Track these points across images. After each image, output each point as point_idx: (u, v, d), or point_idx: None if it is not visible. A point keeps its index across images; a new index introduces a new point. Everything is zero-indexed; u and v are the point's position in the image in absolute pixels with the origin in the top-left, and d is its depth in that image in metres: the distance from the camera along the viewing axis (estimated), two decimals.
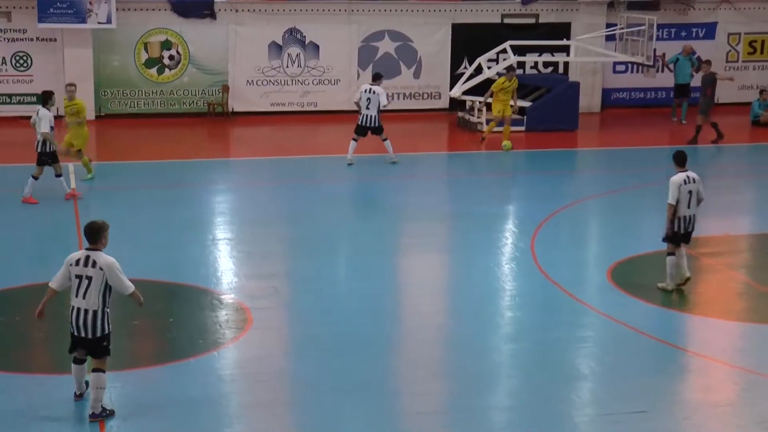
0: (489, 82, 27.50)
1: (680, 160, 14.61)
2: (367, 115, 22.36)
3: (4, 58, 27.24)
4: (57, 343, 11.63)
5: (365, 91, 22.44)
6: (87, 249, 10.26)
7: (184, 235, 17.13)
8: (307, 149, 24.59)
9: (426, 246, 17.11)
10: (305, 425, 10.61)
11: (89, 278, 10.12)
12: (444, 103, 29.30)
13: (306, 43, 28.47)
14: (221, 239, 17.13)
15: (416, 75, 29.20)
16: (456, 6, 28.94)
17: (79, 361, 10.57)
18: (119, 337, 11.46)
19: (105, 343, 10.33)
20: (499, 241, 17.18)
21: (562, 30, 29.33)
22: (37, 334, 12.55)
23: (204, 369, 11.77)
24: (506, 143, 24.24)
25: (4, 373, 11.51)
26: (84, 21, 26.54)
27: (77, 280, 10.18)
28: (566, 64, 29.44)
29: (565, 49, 28.54)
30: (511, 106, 24.97)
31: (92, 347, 10.34)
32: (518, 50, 27.71)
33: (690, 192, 14.36)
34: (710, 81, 25.42)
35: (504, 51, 27.67)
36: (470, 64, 28.16)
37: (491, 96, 25.00)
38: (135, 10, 27.42)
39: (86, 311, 10.16)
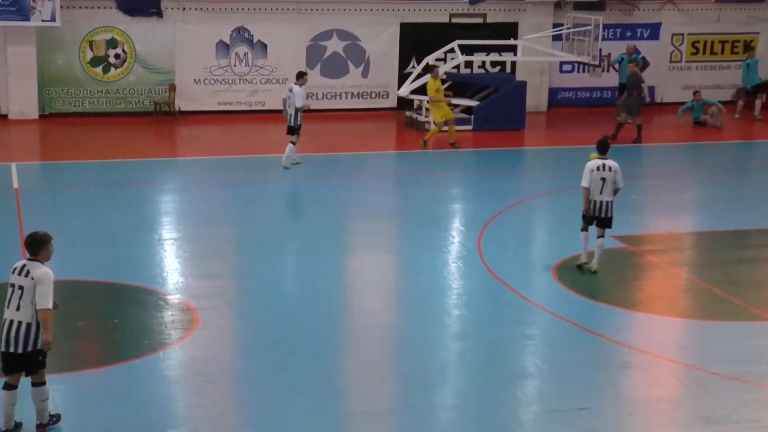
0: None
1: (600, 148, 15.23)
2: (288, 114, 22.02)
3: None
4: None
5: (288, 90, 22.18)
6: (28, 259, 9.89)
7: (130, 235, 17.00)
8: (255, 148, 24.51)
9: (373, 245, 17.12)
10: (251, 425, 10.59)
11: (21, 288, 9.70)
12: (392, 102, 29.33)
13: (254, 42, 28.36)
14: (167, 239, 17.02)
15: (364, 74, 29.21)
16: (404, 5, 28.98)
17: (10, 387, 9.87)
18: (63, 339, 11.36)
19: (40, 357, 9.82)
20: (446, 240, 17.24)
21: (510, 30, 29.46)
22: None
23: (149, 370, 11.69)
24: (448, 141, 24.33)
25: None
26: (27, 19, 26.21)
27: (11, 290, 9.77)
28: (513, 63, 29.59)
29: (513, 49, 28.70)
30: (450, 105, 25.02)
31: (26, 363, 9.78)
32: (466, 50, 27.81)
33: (603, 179, 14.97)
34: (637, 81, 25.65)
35: (452, 50, 27.78)
36: (418, 64, 28.20)
37: (428, 102, 25.04)
38: (80, 7, 27.13)
39: (20, 323, 9.68)
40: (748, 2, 31.40)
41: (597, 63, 27.81)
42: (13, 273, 9.86)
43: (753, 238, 17.94)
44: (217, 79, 28.26)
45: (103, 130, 26.15)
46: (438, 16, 29.30)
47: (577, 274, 15.44)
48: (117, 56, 27.65)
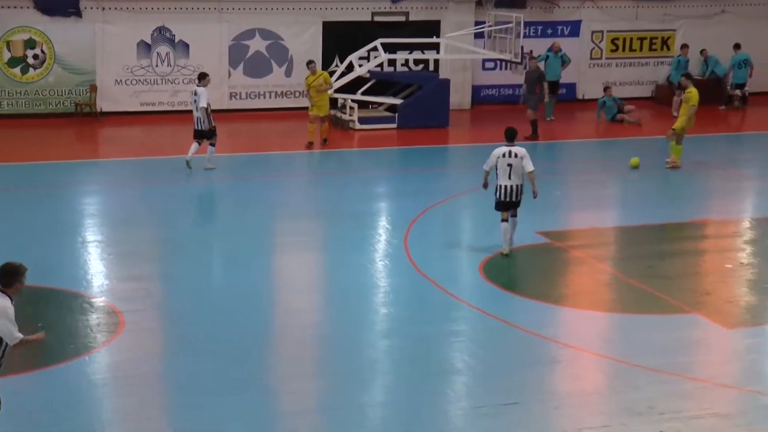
0: (361, 79, 27.68)
1: (507, 136, 16.14)
2: (195, 118, 21.54)
3: None
4: None
5: (192, 94, 21.71)
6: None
7: (52, 237, 16.76)
8: (178, 149, 24.25)
9: (298, 244, 17.09)
10: (179, 428, 10.50)
11: None
12: None
13: (175, 41, 28.12)
14: (91, 241, 16.82)
15: (288, 73, 29.12)
16: (326, 4, 28.96)
17: None
18: None
19: None
20: (372, 239, 17.28)
21: (432, 28, 29.61)
22: None
23: (75, 374, 11.56)
24: (310, 142, 24.25)
25: None
26: None
27: None
28: (436, 61, 29.77)
29: (435, 47, 28.83)
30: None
31: None
32: (389, 48, 27.90)
33: (510, 165, 15.78)
34: (537, 77, 25.92)
35: (375, 49, 27.85)
36: (342, 62, 28.23)
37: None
38: None
39: None
40: (664, 0, 31.93)
41: (519, 60, 28.07)
42: None
43: (674, 231, 18.25)
44: (139, 80, 27.98)
45: (22, 132, 25.71)
46: (360, 14, 29.33)
47: (502, 271, 15.58)
48: (36, 57, 27.23)
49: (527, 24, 29.19)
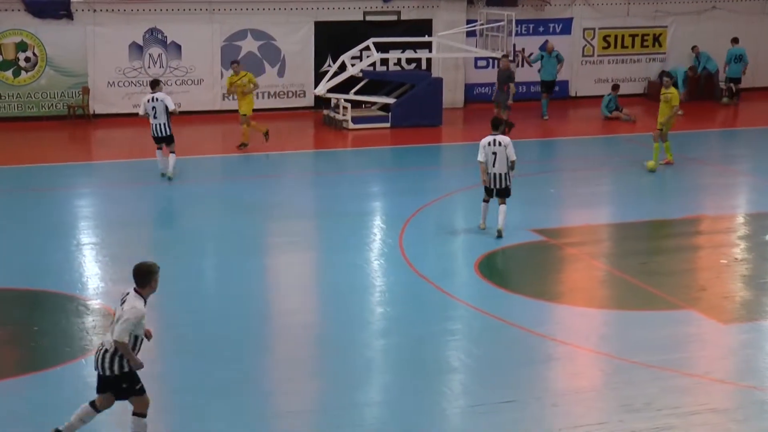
0: (354, 79, 27.68)
1: (492, 125, 16.93)
2: (156, 125, 20.88)
3: None
4: None
5: (148, 101, 20.90)
6: (134, 288, 9.64)
7: (47, 240, 16.73)
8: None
9: (294, 245, 17.09)
10: (175, 428, 10.50)
11: (118, 319, 9.57)
12: (309, 101, 29.27)
13: (167, 43, 28.09)
14: (85, 244, 16.80)
15: (280, 73, 29.11)
16: (318, 4, 28.94)
17: (93, 405, 9.80)
18: None
19: (124, 385, 9.62)
20: (367, 238, 17.28)
21: (424, 26, 29.62)
22: None
23: (71, 376, 11.55)
24: (244, 143, 23.83)
25: None
26: None
27: (113, 317, 9.62)
28: (429, 60, 29.78)
29: (428, 46, 28.82)
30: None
31: (113, 387, 9.68)
32: (381, 47, 27.89)
33: (495, 153, 16.62)
34: (507, 76, 25.88)
35: (367, 48, 27.85)
36: (334, 62, 28.22)
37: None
38: None
39: (106, 350, 9.53)
40: None
41: (511, 58, 28.07)
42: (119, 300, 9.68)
43: (668, 228, 18.29)
44: (131, 81, 27.94)
45: (15, 135, 25.68)
46: (352, 14, 29.32)
47: (498, 269, 15.60)
48: (27, 59, 27.18)
49: (519, 22, 29.23)
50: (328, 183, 21.85)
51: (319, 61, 29.13)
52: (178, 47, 28.15)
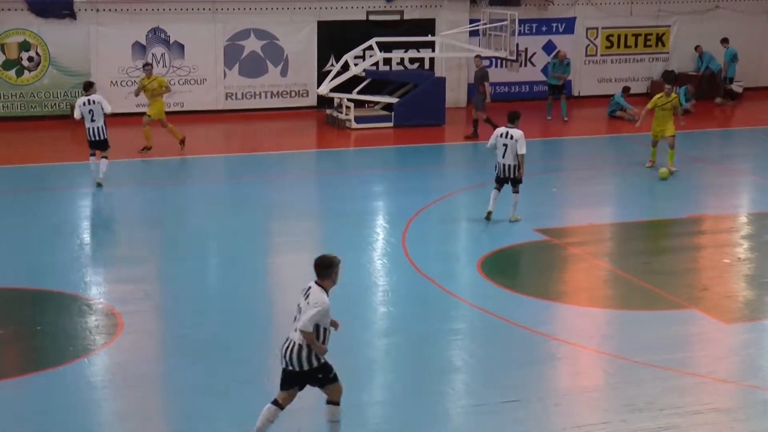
0: (356, 78, 27.69)
1: (509, 117, 17.54)
2: (93, 128, 20.29)
3: None
4: None
5: (84, 104, 20.27)
6: (314, 281, 9.70)
7: (50, 240, 16.75)
8: (174, 150, 24.27)
9: (297, 244, 17.08)
10: (179, 429, 10.50)
11: (300, 310, 9.69)
12: (312, 100, 29.29)
13: (170, 42, 28.11)
14: (88, 243, 16.82)
15: (283, 73, 29.12)
16: (321, 3, 28.95)
17: (276, 403, 9.91)
18: None
19: (320, 375, 9.77)
20: (371, 238, 17.28)
21: (427, 26, 29.63)
22: None
23: (74, 376, 11.55)
24: (148, 146, 23.31)
25: None
26: None
27: (297, 310, 9.76)
28: (432, 59, 29.78)
29: (431, 45, 28.83)
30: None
31: (309, 380, 9.82)
32: (384, 47, 27.89)
33: (505, 145, 17.28)
34: (482, 76, 25.83)
35: (370, 48, 27.85)
36: (337, 62, 28.22)
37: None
38: None
39: (293, 343, 9.65)
40: None
41: (514, 58, 28.08)
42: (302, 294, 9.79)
43: (671, 227, 18.29)
44: (134, 81, 27.87)
45: (18, 134, 25.70)
46: (355, 13, 29.33)
47: (501, 268, 15.58)
48: (30, 59, 27.21)
49: (522, 21, 29.22)
50: (331, 182, 21.86)
51: (322, 61, 29.14)
52: (181, 47, 28.16)
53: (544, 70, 30.61)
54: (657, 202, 19.85)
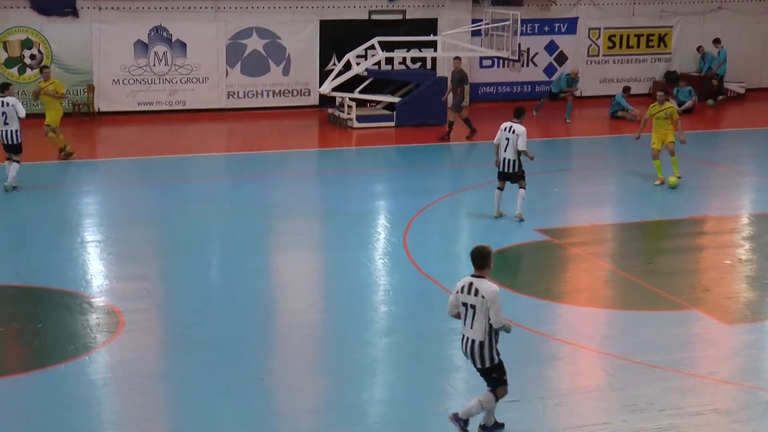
0: (358, 78, 27.70)
1: (515, 113, 17.56)
2: (6, 132, 19.92)
3: None
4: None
5: (3, 105, 19.86)
6: (472, 276, 9.88)
7: (51, 238, 16.76)
8: (176, 148, 24.31)
9: (298, 243, 17.09)
10: (180, 427, 10.50)
11: (473, 307, 9.80)
12: (314, 99, 29.31)
13: (173, 41, 28.12)
14: (90, 241, 16.82)
15: (285, 72, 29.13)
16: (323, 2, 28.96)
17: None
18: None
19: (494, 375, 10.03)
20: (372, 237, 17.28)
21: (429, 26, 29.64)
22: None
23: (75, 374, 11.55)
24: (63, 148, 22.79)
25: None
26: None
27: (464, 308, 9.93)
28: (434, 59, 29.79)
29: (433, 45, 28.84)
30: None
31: (483, 376, 10.13)
32: (386, 46, 27.90)
33: (507, 139, 17.32)
34: (460, 78, 25.80)
35: (372, 47, 27.85)
36: (339, 61, 28.23)
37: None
38: None
39: (473, 341, 9.89)
40: None
41: (516, 58, 28.08)
42: (461, 292, 9.91)
43: (672, 228, 18.28)
44: (136, 79, 27.97)
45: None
46: (357, 12, 29.34)
47: (501, 268, 15.56)
48: (33, 57, 27.23)
49: (524, 21, 29.23)
50: (332, 182, 21.86)
51: (324, 60, 29.17)
52: (184, 45, 28.17)
53: (546, 71, 30.62)
54: (658, 203, 19.85)
